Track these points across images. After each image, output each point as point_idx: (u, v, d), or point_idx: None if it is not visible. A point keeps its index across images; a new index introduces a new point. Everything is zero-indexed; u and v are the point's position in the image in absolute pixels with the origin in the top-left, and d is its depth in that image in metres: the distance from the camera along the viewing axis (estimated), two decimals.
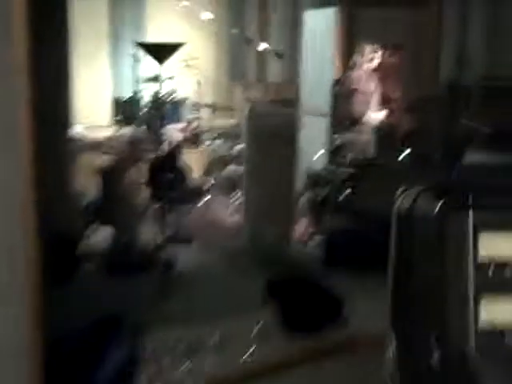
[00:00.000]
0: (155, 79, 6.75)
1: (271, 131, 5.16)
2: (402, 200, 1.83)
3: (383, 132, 6.12)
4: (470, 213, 1.61)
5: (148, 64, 7.34)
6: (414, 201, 1.75)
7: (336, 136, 5.87)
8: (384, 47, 6.36)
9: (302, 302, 3.72)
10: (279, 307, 3.70)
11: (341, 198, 5.11)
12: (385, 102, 6.48)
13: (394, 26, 7.37)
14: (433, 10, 8.25)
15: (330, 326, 3.62)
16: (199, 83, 7.42)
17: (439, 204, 1.64)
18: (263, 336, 3.54)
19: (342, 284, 4.03)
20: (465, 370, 1.54)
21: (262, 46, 6.96)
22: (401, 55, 6.73)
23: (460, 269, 1.59)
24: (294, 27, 7.48)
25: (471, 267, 1.59)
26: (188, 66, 7.44)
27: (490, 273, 1.61)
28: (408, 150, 5.77)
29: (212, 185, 6.53)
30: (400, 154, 5.74)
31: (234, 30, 7.49)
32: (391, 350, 1.87)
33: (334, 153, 5.76)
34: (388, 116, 6.35)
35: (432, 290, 1.63)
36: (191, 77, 7.45)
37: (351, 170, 5.40)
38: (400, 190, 1.88)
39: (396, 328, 1.88)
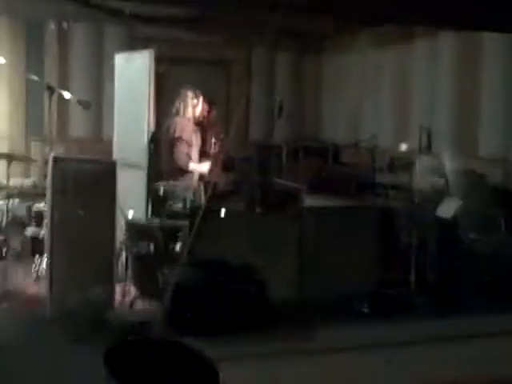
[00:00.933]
0: None
1: (80, 188, 4.45)
2: None
3: (207, 183, 5.46)
4: None
5: None
6: None
7: (159, 185, 5.03)
8: (199, 98, 5.73)
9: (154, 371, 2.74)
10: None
11: (171, 250, 4.32)
12: (205, 155, 5.85)
13: (207, 81, 6.87)
14: (242, 73, 7.97)
15: None
16: None
17: None
18: None
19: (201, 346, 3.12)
20: None
21: (66, 94, 5.92)
22: (216, 111, 6.20)
23: None
24: (102, 73, 6.61)
25: None
26: None
27: None
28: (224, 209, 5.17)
29: (9, 248, 5.33)
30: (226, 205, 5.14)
31: (32, 77, 6.39)
32: None
33: (158, 203, 4.91)
34: (209, 169, 5.71)
35: None
36: None
37: (180, 221, 4.63)
38: None
39: None
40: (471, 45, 6.21)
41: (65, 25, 6.86)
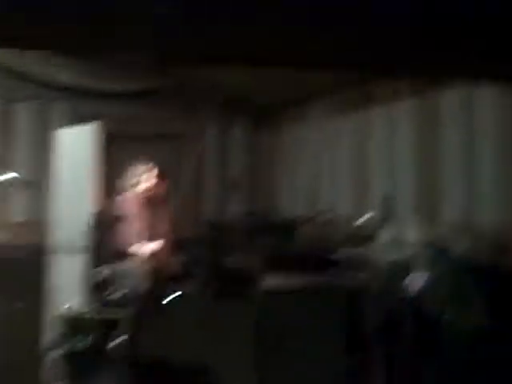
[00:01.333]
0: None
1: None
2: None
3: (154, 266, 4.85)
4: None
5: None
6: None
7: (100, 270, 4.42)
8: (150, 172, 5.20)
9: None
10: None
11: (113, 345, 3.70)
12: (153, 235, 5.25)
13: (157, 156, 6.37)
14: (193, 147, 7.51)
15: None
16: None
17: None
18: None
19: None
20: None
21: (8, 175, 5.36)
22: (165, 185, 5.65)
23: None
24: (44, 150, 6.05)
25: None
26: None
27: None
28: (177, 293, 4.62)
29: None
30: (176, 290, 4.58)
31: None
32: None
33: (98, 291, 4.29)
34: (157, 251, 5.10)
35: None
36: None
37: (123, 309, 4.01)
38: None
39: None
40: (429, 109, 5.90)
41: (7, 102, 6.37)
